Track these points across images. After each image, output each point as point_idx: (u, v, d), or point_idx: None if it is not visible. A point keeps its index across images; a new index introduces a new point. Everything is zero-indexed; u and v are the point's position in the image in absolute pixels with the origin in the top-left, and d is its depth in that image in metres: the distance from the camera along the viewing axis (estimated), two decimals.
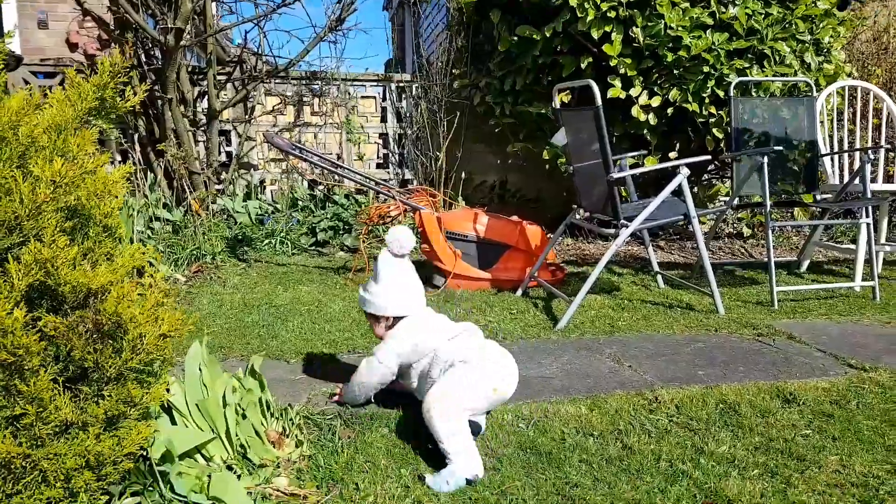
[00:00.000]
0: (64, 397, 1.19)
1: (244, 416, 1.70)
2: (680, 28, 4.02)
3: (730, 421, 1.92)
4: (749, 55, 4.24)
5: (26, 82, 4.77)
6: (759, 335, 2.78)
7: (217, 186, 4.97)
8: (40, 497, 1.18)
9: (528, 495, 1.52)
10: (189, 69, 5.00)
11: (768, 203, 3.27)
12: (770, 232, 3.27)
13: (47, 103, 1.32)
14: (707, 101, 4.25)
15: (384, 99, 5.67)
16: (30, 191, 1.16)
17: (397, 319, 1.90)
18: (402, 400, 1.98)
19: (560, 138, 3.30)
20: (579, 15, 4.06)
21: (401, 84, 5.65)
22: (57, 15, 5.21)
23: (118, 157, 4.97)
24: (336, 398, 2.00)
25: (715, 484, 1.57)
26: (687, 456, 1.71)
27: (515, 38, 4.53)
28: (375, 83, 5.65)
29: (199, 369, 1.71)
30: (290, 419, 1.84)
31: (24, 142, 1.23)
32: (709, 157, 3.48)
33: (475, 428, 1.81)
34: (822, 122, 3.94)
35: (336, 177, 5.10)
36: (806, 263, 4.11)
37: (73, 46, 5.16)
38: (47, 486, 1.16)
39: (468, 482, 1.55)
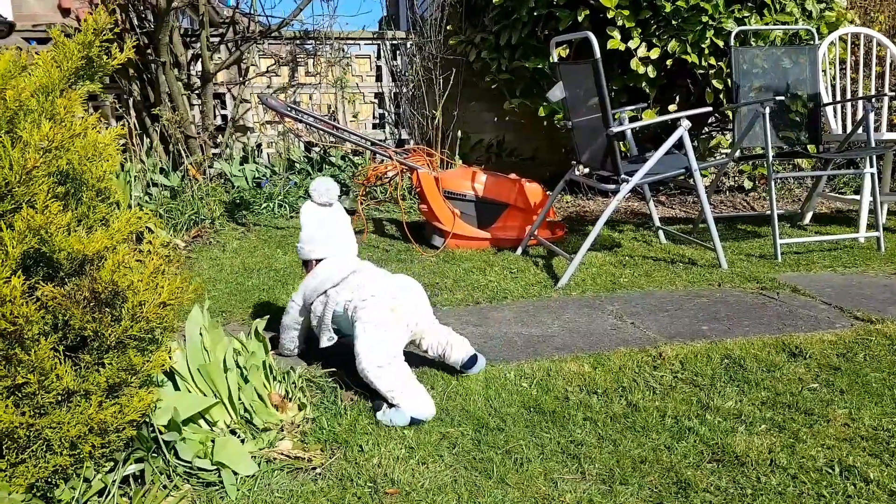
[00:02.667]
0: (65, 366, 1.18)
1: (247, 380, 1.70)
2: None
3: (735, 376, 1.92)
4: (749, 3, 4.13)
5: (19, 49, 4.67)
6: (762, 289, 2.77)
7: (213, 150, 4.90)
8: (46, 465, 1.18)
9: (532, 454, 1.53)
10: (182, 32, 4.88)
11: (770, 154, 3.23)
12: (773, 184, 3.24)
13: (34, 64, 1.27)
14: (706, 52, 4.16)
15: (378, 57, 5.56)
16: (19, 156, 1.13)
17: (318, 263, 1.99)
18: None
19: (557, 93, 3.23)
20: None
21: (395, 42, 5.52)
22: None
23: (114, 123, 4.89)
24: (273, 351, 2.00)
25: (722, 440, 1.58)
26: (693, 412, 1.71)
27: None
28: (370, 41, 5.53)
29: (201, 334, 1.70)
30: (293, 382, 1.84)
31: (11, 106, 1.19)
32: (709, 108, 3.41)
33: (470, 362, 1.89)
34: (824, 70, 3.86)
35: (332, 138, 5.03)
36: (809, 215, 4.09)
37: (65, 12, 5.05)
38: (53, 453, 1.16)
39: (413, 420, 1.64)
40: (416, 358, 2.00)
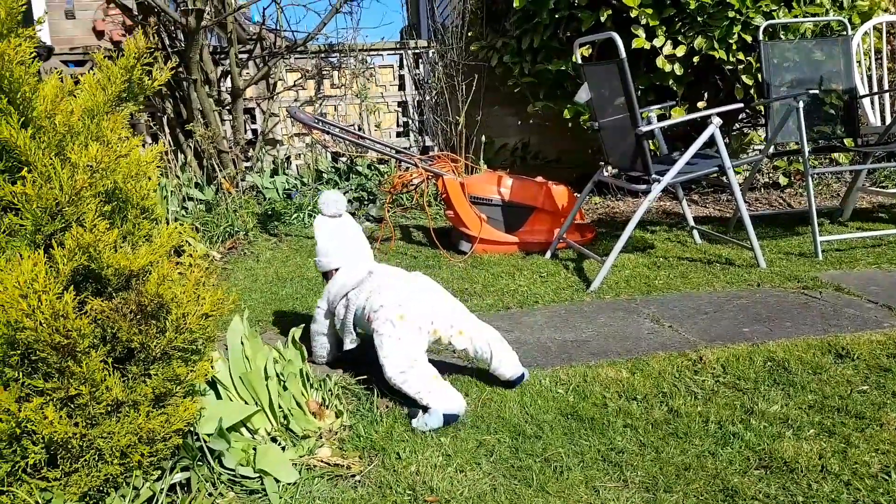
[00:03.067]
0: (114, 377, 1.21)
1: (285, 388, 1.72)
2: None
3: (780, 379, 1.87)
4: None
5: (60, 72, 4.83)
6: (804, 288, 2.71)
7: (245, 164, 5.00)
8: (98, 474, 1.21)
9: (572, 462, 1.51)
10: (211, 49, 5.00)
11: (806, 149, 3.17)
12: (810, 179, 3.17)
13: (79, 89, 1.32)
14: (734, 47, 4.10)
15: (401, 67, 5.60)
16: (69, 177, 1.17)
17: (337, 272, 2.06)
18: (436, 365, 1.98)
19: (583, 95, 3.22)
20: None
21: (417, 50, 5.57)
22: (82, 4, 5.26)
23: (149, 140, 5.02)
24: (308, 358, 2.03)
25: (769, 445, 1.53)
26: (737, 417, 1.67)
27: None
28: (392, 51, 5.58)
29: (241, 342, 1.73)
30: (329, 389, 1.86)
31: (61, 130, 1.23)
32: (740, 105, 3.36)
33: (518, 380, 1.87)
34: (858, 61, 3.78)
35: (358, 148, 5.08)
36: (849, 211, 3.98)
37: (99, 34, 5.21)
38: (104, 463, 1.19)
39: (446, 418, 1.66)
40: (447, 366, 2.00)
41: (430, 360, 1.83)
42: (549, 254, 3.39)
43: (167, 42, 4.81)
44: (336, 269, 2.06)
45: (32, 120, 1.17)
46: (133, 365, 1.27)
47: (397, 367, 1.74)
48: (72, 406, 1.16)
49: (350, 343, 2.00)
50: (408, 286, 1.92)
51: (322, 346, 2.09)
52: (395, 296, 1.85)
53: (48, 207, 1.14)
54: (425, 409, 1.70)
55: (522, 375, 1.89)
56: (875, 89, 3.86)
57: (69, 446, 1.13)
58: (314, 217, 4.36)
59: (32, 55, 1.18)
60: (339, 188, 4.77)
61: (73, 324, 1.09)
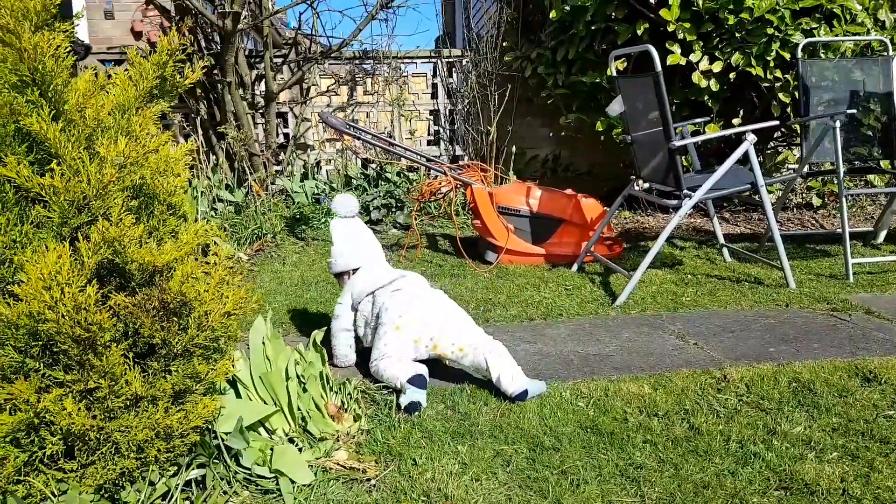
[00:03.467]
0: (134, 372, 1.22)
1: (305, 390, 1.72)
2: None
3: (804, 401, 1.83)
4: (816, 14, 3.99)
5: (95, 69, 4.96)
6: (833, 310, 2.64)
7: (276, 167, 5.06)
8: (114, 467, 1.22)
9: (590, 476, 1.49)
10: (246, 53, 5.08)
11: (842, 170, 3.10)
12: (844, 200, 3.10)
13: (111, 83, 1.34)
14: (772, 64, 4.04)
15: (434, 75, 5.63)
16: (97, 171, 1.18)
17: (356, 272, 2.14)
18: (457, 375, 1.97)
19: (616, 108, 3.19)
20: None
21: (450, 59, 5.59)
22: (121, 4, 5.38)
23: (181, 140, 5.11)
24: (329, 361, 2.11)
25: (790, 466, 1.51)
26: (759, 437, 1.64)
27: (567, 7, 4.40)
28: (426, 60, 5.61)
29: (263, 343, 1.74)
30: (348, 393, 1.86)
31: (90, 124, 1.25)
32: (776, 122, 3.30)
33: (522, 395, 1.88)
34: None
35: (388, 155, 5.11)
36: (883, 234, 3.89)
37: (137, 35, 5.34)
38: (121, 456, 1.20)
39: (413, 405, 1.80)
40: (467, 377, 1.98)
41: (454, 371, 1.96)
42: (575, 267, 3.35)
43: (203, 44, 4.90)
44: (354, 270, 2.14)
45: (63, 113, 1.20)
46: (154, 360, 1.28)
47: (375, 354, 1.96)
48: (91, 399, 1.17)
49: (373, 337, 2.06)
50: (421, 302, 2.01)
51: (346, 343, 2.12)
52: (397, 308, 1.98)
53: (75, 200, 1.16)
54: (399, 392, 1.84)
55: (525, 392, 1.85)
56: None
57: (86, 438, 1.15)
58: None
59: (68, 50, 1.20)
60: (367, 194, 4.80)
61: (94, 317, 1.10)
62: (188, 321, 1.28)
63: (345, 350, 2.12)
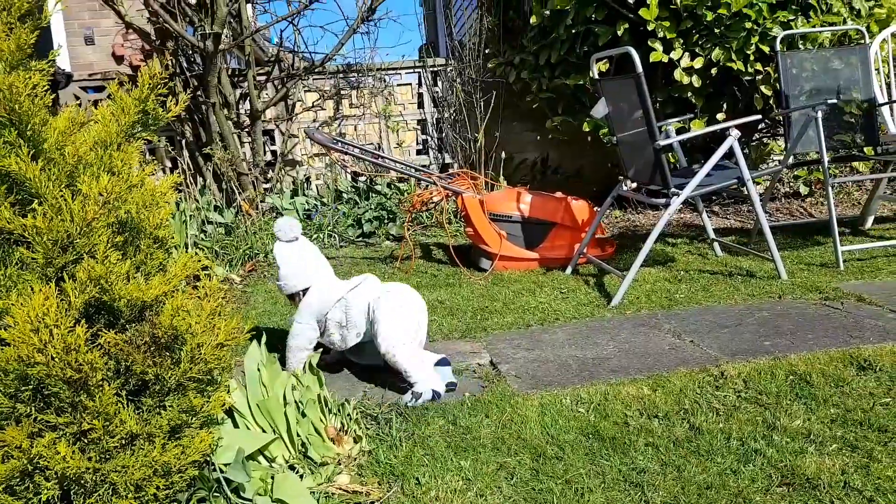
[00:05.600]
0: (128, 410, 1.21)
1: (304, 415, 1.71)
2: None
3: (802, 393, 1.84)
4: (793, 6, 4.03)
5: (77, 98, 4.95)
6: (825, 299, 2.65)
7: (265, 185, 5.04)
8: None
9: (593, 483, 1.49)
10: (229, 72, 5.07)
11: (826, 159, 3.11)
12: (830, 189, 3.12)
13: (93, 119, 1.33)
14: (752, 58, 4.06)
15: (420, 85, 5.63)
16: (80, 209, 1.18)
17: (307, 291, 2.18)
18: (460, 389, 1.97)
19: (601, 109, 3.20)
20: None
21: (435, 69, 5.60)
22: (102, 30, 5.37)
23: (168, 164, 5.09)
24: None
25: (791, 461, 1.51)
26: (759, 433, 1.64)
27: (547, 11, 4.41)
28: (410, 70, 5.61)
29: (259, 369, 1.73)
30: (348, 414, 1.84)
31: (70, 161, 1.25)
32: (758, 116, 3.31)
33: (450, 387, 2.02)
34: (877, 69, 3.72)
35: (377, 167, 5.10)
36: (870, 220, 3.91)
37: (118, 59, 5.32)
38: (119, 497, 1.19)
39: (434, 394, 1.92)
40: (469, 386, 1.98)
41: (453, 380, 2.03)
42: (569, 269, 3.36)
43: (185, 66, 4.89)
44: (304, 290, 2.18)
45: (43, 152, 1.19)
46: (147, 397, 1.27)
47: (406, 339, 2.06)
48: (85, 440, 1.16)
49: (355, 337, 2.14)
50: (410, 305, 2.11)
51: (300, 361, 2.17)
52: (396, 299, 2.10)
53: (59, 240, 1.15)
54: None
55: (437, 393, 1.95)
56: (894, 97, 3.79)
57: (82, 481, 1.13)
58: (333, 237, 4.42)
59: (45, 88, 1.19)
60: (358, 207, 4.79)
61: (85, 357, 1.09)
62: (181, 355, 1.27)
63: (298, 365, 2.17)
